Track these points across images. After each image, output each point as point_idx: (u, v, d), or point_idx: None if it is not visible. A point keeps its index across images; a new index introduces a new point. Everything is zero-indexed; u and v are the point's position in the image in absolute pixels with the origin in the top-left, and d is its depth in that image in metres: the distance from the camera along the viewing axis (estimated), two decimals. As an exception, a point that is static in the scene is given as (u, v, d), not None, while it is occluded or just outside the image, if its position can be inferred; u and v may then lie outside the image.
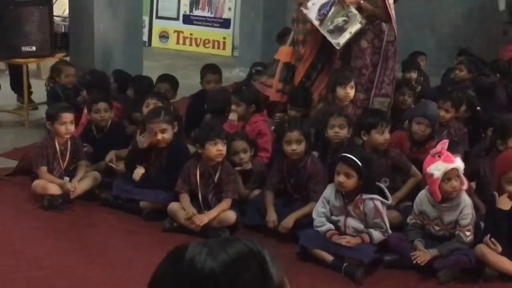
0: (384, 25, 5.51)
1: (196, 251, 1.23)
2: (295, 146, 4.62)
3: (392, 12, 5.42)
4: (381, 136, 4.69)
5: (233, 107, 5.50)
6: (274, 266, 1.26)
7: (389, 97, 5.66)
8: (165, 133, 4.80)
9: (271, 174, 4.80)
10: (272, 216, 4.49)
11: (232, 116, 5.47)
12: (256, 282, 1.21)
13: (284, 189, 4.77)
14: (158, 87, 6.22)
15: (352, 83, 5.37)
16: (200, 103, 6.26)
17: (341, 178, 4.11)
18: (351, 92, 5.37)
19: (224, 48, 11.99)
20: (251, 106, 5.48)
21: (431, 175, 4.07)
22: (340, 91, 5.35)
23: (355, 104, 5.50)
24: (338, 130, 4.92)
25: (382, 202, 4.18)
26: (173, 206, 4.58)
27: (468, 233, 4.06)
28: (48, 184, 4.90)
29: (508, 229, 4.08)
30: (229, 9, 11.86)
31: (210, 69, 6.59)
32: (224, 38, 11.96)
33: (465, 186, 4.16)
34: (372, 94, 5.57)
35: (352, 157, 4.13)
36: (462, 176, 4.11)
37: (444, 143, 4.14)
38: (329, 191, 4.29)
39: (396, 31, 5.53)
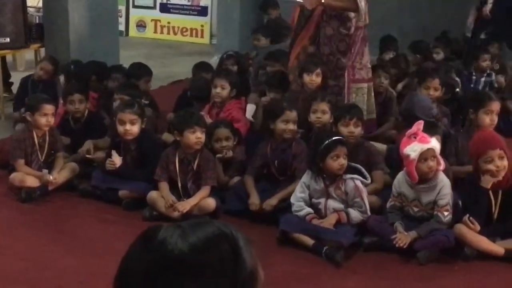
0: (352, 13, 5.52)
1: (168, 233, 1.23)
2: (292, 126, 4.72)
3: (361, 3, 5.42)
4: (345, 129, 4.71)
5: (218, 90, 5.53)
6: (247, 252, 1.25)
7: (365, 82, 5.68)
8: (134, 125, 4.77)
9: (253, 159, 4.84)
10: (254, 199, 4.52)
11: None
12: (226, 265, 1.21)
13: (268, 172, 4.82)
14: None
15: (319, 70, 5.40)
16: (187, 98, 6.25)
17: (342, 160, 4.17)
18: (317, 79, 5.40)
19: (202, 36, 11.97)
20: (233, 91, 5.53)
21: (408, 156, 4.11)
22: (306, 78, 5.40)
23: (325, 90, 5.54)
24: (320, 115, 5.00)
25: (362, 182, 4.24)
26: (153, 194, 4.58)
27: (446, 213, 4.11)
28: (26, 177, 4.88)
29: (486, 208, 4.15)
30: (206, -4, 11.86)
31: (203, 69, 6.61)
32: (202, 26, 11.94)
33: (442, 167, 4.19)
34: (345, 81, 5.56)
35: (343, 138, 4.25)
36: (439, 157, 4.15)
37: (419, 124, 4.17)
38: (308, 176, 4.32)
39: (367, 18, 5.53)
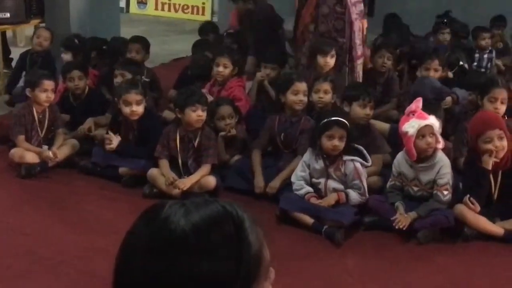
0: None
1: (171, 211, 1.21)
2: (302, 97, 4.76)
3: None
4: (362, 110, 4.70)
5: (220, 68, 5.53)
6: (253, 233, 1.23)
7: (362, 57, 5.67)
8: (139, 105, 4.77)
9: (261, 133, 4.87)
10: (259, 181, 4.54)
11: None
12: (230, 245, 1.19)
13: (273, 146, 4.84)
14: (129, 48, 6.19)
15: (333, 52, 5.40)
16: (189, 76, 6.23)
17: (336, 141, 4.16)
18: (331, 61, 5.40)
19: (203, 14, 11.91)
20: (234, 69, 5.53)
21: (406, 133, 4.13)
22: (320, 60, 5.39)
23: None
24: (322, 95, 4.99)
25: (362, 164, 4.24)
26: (153, 172, 4.60)
27: (446, 192, 4.12)
28: (26, 153, 4.89)
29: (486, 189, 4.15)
30: (208, -27, 11.78)
31: (203, 47, 6.58)
32: (203, 3, 11.89)
33: (441, 145, 4.20)
34: (354, 58, 5.55)
35: (345, 120, 4.20)
36: (438, 134, 4.16)
37: (418, 101, 4.19)
38: (309, 155, 4.33)
39: None
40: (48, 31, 6.54)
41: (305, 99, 4.80)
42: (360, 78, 5.61)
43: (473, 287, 3.68)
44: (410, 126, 4.10)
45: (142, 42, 6.34)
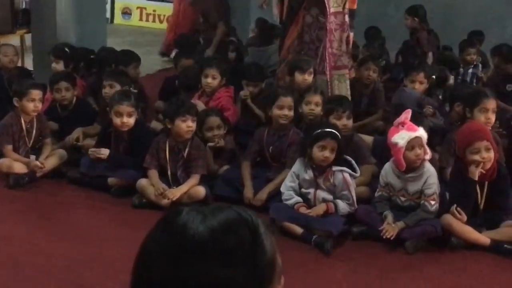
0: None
1: (189, 217, 1.23)
2: (287, 111, 4.78)
3: None
4: (339, 122, 4.72)
5: (209, 79, 5.54)
6: (267, 238, 1.25)
7: (346, 68, 5.69)
8: (131, 117, 4.77)
9: (249, 144, 4.89)
10: (248, 192, 4.56)
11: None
12: (246, 251, 1.21)
13: (262, 158, 4.86)
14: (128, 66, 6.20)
15: (311, 70, 5.45)
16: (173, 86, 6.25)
17: (327, 153, 4.18)
18: (309, 78, 5.45)
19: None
20: (222, 80, 5.56)
21: (396, 144, 4.16)
22: (298, 77, 5.44)
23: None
24: (313, 107, 5.04)
25: (350, 175, 4.28)
26: (142, 182, 4.59)
27: (433, 202, 4.16)
28: (14, 163, 4.86)
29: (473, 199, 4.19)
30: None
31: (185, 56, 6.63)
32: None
33: (428, 156, 4.24)
34: (326, 68, 5.57)
35: (337, 133, 4.23)
36: (426, 146, 4.20)
37: (407, 113, 4.22)
38: (298, 166, 4.35)
39: (347, 4, 5.55)
40: (10, 46, 6.47)
41: (290, 113, 4.82)
42: (347, 90, 5.64)
43: None
44: (400, 137, 4.13)
45: (136, 58, 6.37)
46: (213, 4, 8.59)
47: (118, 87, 5.30)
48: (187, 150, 4.60)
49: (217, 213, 1.24)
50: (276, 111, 4.81)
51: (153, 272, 1.21)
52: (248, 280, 1.19)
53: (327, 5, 5.43)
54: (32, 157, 4.95)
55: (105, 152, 4.80)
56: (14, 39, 7.33)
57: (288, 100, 4.82)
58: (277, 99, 4.81)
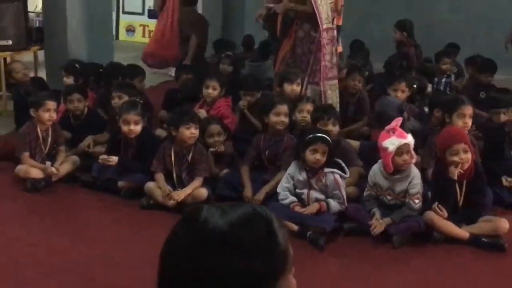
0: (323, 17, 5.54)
1: (209, 213, 1.24)
2: (284, 118, 4.79)
3: (319, 8, 5.43)
4: (325, 128, 4.69)
5: (210, 90, 5.54)
6: (280, 231, 1.26)
7: (336, 79, 5.68)
8: (137, 125, 4.77)
9: (248, 151, 4.89)
10: (248, 192, 4.56)
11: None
12: (263, 242, 1.22)
13: (259, 162, 4.85)
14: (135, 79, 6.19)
15: (299, 80, 5.46)
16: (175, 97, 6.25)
17: (319, 155, 4.18)
18: (297, 89, 5.45)
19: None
20: (222, 90, 5.57)
21: (386, 148, 4.15)
22: (287, 87, 5.44)
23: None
24: (306, 115, 5.03)
25: (341, 176, 4.28)
26: (150, 185, 4.58)
27: (417, 201, 4.16)
28: (31, 169, 4.85)
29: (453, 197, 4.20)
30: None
31: (185, 71, 6.64)
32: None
33: (414, 160, 4.26)
34: (320, 79, 5.58)
35: (328, 137, 4.24)
36: (412, 151, 4.20)
37: (398, 120, 4.23)
38: (293, 168, 4.35)
39: (335, 21, 5.57)
40: (19, 62, 6.47)
41: (286, 119, 4.82)
42: (337, 98, 5.66)
43: (443, 286, 3.71)
44: (390, 143, 4.12)
45: (141, 72, 6.38)
46: (186, 17, 8.47)
47: (126, 98, 5.30)
48: (190, 155, 4.59)
49: (235, 209, 1.25)
50: (273, 118, 4.81)
51: (176, 264, 1.22)
52: (265, 269, 1.20)
53: (320, 23, 5.46)
54: (48, 163, 4.94)
55: (114, 159, 4.79)
56: (28, 55, 7.31)
57: (284, 108, 4.82)
58: (274, 106, 4.81)
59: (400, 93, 5.75)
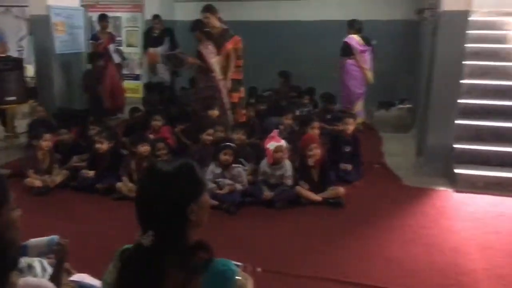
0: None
1: (160, 164, 1.34)
2: (211, 137, 4.89)
3: (214, 66, 5.45)
4: (236, 136, 4.88)
5: (156, 122, 5.49)
6: (201, 172, 1.35)
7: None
8: (102, 144, 4.82)
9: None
10: None
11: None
12: (192, 176, 1.31)
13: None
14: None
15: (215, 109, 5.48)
16: (132, 127, 6.12)
17: (227, 157, 4.34)
18: (215, 113, 5.50)
19: (137, 93, 11.77)
20: (163, 121, 5.55)
21: (268, 148, 4.39)
22: (210, 112, 5.51)
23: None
24: (213, 135, 5.04)
25: (243, 169, 4.49)
26: (119, 184, 4.61)
27: (289, 181, 4.39)
28: (35, 180, 4.80)
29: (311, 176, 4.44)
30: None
31: (135, 111, 6.46)
32: (137, 86, 11.75)
33: (286, 156, 4.50)
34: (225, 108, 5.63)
35: (233, 144, 4.41)
36: (285, 151, 4.45)
37: (276, 132, 4.50)
38: (213, 166, 4.48)
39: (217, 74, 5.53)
40: (40, 106, 6.41)
41: (211, 137, 4.91)
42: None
43: (309, 231, 3.82)
44: (271, 145, 4.33)
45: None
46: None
47: (98, 128, 5.36)
48: (145, 163, 4.64)
49: (175, 161, 1.36)
50: (204, 136, 4.99)
51: (140, 194, 1.33)
52: (192, 189, 1.31)
53: (215, 74, 5.46)
54: (46, 176, 4.92)
55: (91, 172, 4.81)
56: (26, 107, 7.16)
57: (211, 130, 4.99)
58: (207, 129, 4.97)
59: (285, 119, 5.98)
